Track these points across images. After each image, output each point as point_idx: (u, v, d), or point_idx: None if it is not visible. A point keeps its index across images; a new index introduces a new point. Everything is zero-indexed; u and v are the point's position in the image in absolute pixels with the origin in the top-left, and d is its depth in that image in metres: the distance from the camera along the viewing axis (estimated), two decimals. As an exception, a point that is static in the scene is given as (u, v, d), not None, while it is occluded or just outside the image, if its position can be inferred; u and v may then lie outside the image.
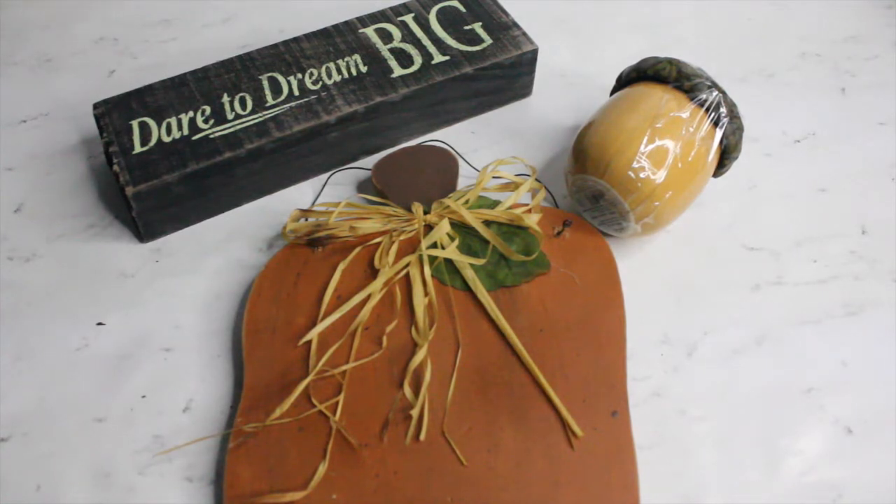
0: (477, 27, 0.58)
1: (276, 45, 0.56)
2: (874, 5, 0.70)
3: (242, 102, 0.53)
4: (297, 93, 0.53)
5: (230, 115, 0.52)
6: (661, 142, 0.48)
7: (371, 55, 0.56)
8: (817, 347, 0.49)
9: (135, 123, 0.51)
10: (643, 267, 0.52)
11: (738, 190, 0.56)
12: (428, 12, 0.59)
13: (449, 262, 0.49)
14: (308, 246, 0.50)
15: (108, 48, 0.66)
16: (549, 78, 0.63)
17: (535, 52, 0.57)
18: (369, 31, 0.57)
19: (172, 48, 0.66)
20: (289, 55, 0.56)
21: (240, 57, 0.56)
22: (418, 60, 0.56)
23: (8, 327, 0.49)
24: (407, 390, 0.45)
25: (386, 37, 0.57)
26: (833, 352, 0.49)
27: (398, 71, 0.55)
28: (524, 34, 0.58)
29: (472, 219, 0.50)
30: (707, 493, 0.43)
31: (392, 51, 0.56)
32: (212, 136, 0.51)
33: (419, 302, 0.47)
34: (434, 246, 0.50)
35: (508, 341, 0.47)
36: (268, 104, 0.53)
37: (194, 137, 0.51)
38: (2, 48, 0.65)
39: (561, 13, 0.69)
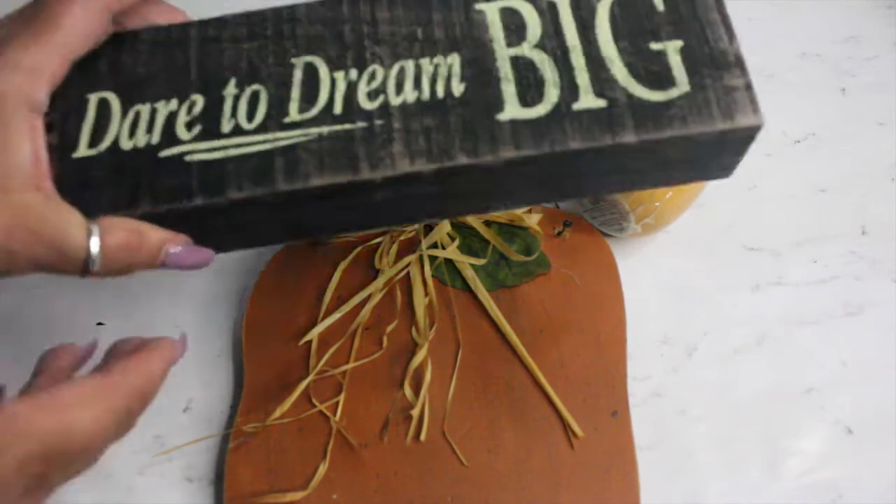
0: (672, 50, 0.32)
1: (337, 3, 0.33)
2: (874, 5, 0.70)
3: (252, 104, 0.32)
4: (338, 109, 0.32)
5: (226, 126, 0.31)
6: None
7: (478, 63, 0.32)
8: (817, 347, 0.49)
9: (93, 99, 0.32)
10: (643, 267, 0.52)
11: (738, 190, 0.56)
12: None
13: (449, 262, 0.49)
14: (308, 246, 0.51)
15: (108, 48, 0.65)
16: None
17: (755, 131, 0.32)
18: (491, 11, 0.33)
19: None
20: (351, 27, 0.33)
21: (277, 12, 0.33)
22: (552, 96, 0.31)
23: (8, 328, 0.49)
24: (407, 390, 0.45)
25: (514, 30, 0.33)
26: (833, 352, 0.49)
27: (512, 109, 0.31)
28: (748, 90, 0.31)
29: (473, 219, 0.50)
30: (707, 493, 0.43)
31: (516, 62, 0.32)
32: (188, 159, 0.31)
33: (419, 302, 0.47)
34: (434, 246, 0.50)
35: (508, 341, 0.47)
36: (288, 119, 0.31)
37: (163, 154, 0.31)
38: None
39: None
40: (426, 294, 0.48)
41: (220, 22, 0.33)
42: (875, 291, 0.51)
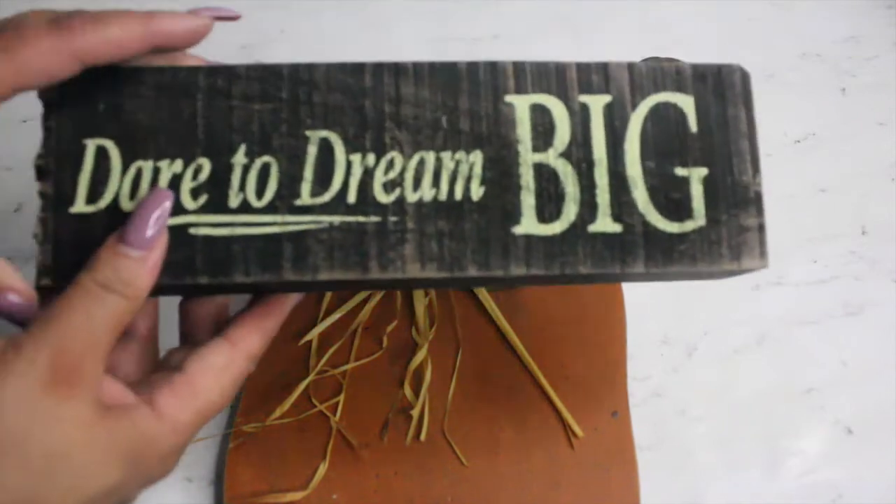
0: (696, 178, 0.31)
1: (360, 67, 0.31)
2: (874, 5, 0.70)
3: (262, 179, 0.30)
4: (352, 198, 0.30)
5: (234, 201, 0.30)
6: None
7: (501, 165, 0.31)
8: (817, 347, 0.49)
9: (91, 146, 0.30)
10: (643, 267, 0.52)
11: (738, 190, 0.56)
12: (634, 106, 0.32)
13: (449, 262, 0.49)
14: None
15: (108, 48, 0.66)
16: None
17: (755, 271, 0.32)
18: (521, 105, 0.31)
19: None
20: (373, 101, 0.31)
21: (295, 71, 0.31)
22: (570, 213, 0.31)
23: (8, 328, 0.49)
24: (407, 390, 0.45)
25: (542, 132, 0.31)
26: (833, 352, 0.49)
27: (528, 223, 0.30)
28: (761, 230, 0.31)
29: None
30: (707, 493, 0.43)
31: (538, 171, 0.31)
32: (192, 232, 0.29)
33: (419, 302, 0.47)
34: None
35: (508, 341, 0.47)
36: (299, 202, 0.30)
37: (168, 222, 0.29)
38: (2, 48, 0.65)
39: (561, 13, 0.69)
40: (426, 294, 0.48)
41: (232, 73, 0.31)
42: (875, 291, 0.51)
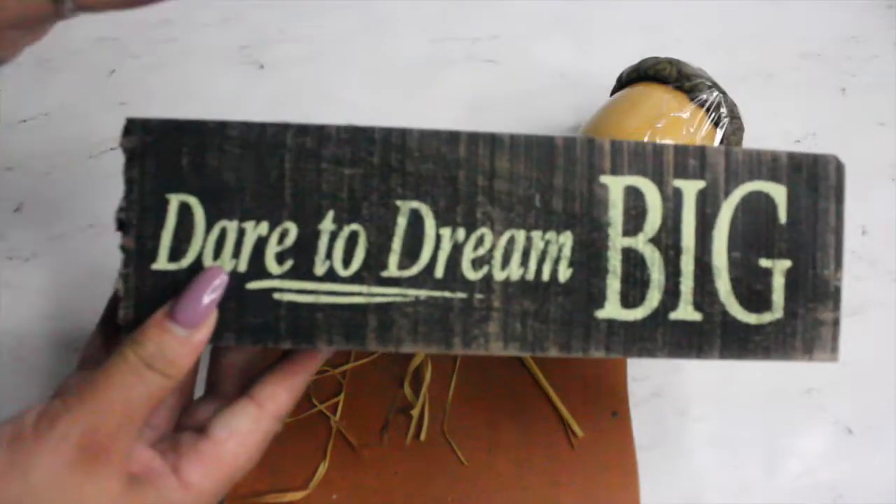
0: (779, 271, 0.31)
1: (455, 137, 0.30)
2: (874, 5, 0.70)
3: (350, 248, 0.30)
4: (440, 272, 0.30)
5: (320, 269, 0.29)
6: (662, 142, 0.48)
7: (590, 247, 0.31)
8: (817, 347, 0.49)
9: (174, 202, 0.29)
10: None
11: (738, 190, 0.56)
12: (727, 194, 0.32)
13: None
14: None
15: (108, 48, 0.66)
16: (548, 78, 0.63)
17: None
18: (615, 189, 0.31)
19: (174, 48, 0.66)
20: (465, 174, 0.30)
21: (387, 136, 0.30)
22: (653, 300, 0.31)
23: (8, 327, 0.49)
24: (407, 390, 0.45)
25: (634, 216, 0.31)
26: (833, 352, 0.49)
27: (612, 309, 0.31)
28: (835, 325, 0.32)
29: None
30: (707, 493, 0.43)
31: (626, 256, 0.31)
32: (277, 297, 0.29)
33: (419, 302, 0.47)
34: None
35: (508, 341, 0.47)
36: (386, 274, 0.30)
37: (251, 285, 0.29)
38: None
39: (561, 13, 0.69)
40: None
41: (322, 133, 0.30)
42: (875, 291, 0.51)
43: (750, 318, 0.31)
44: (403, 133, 0.30)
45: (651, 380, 0.47)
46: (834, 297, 0.32)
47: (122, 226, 0.29)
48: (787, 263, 0.32)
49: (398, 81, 0.61)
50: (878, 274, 0.52)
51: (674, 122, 0.48)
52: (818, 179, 0.32)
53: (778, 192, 0.32)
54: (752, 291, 0.31)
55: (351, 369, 0.46)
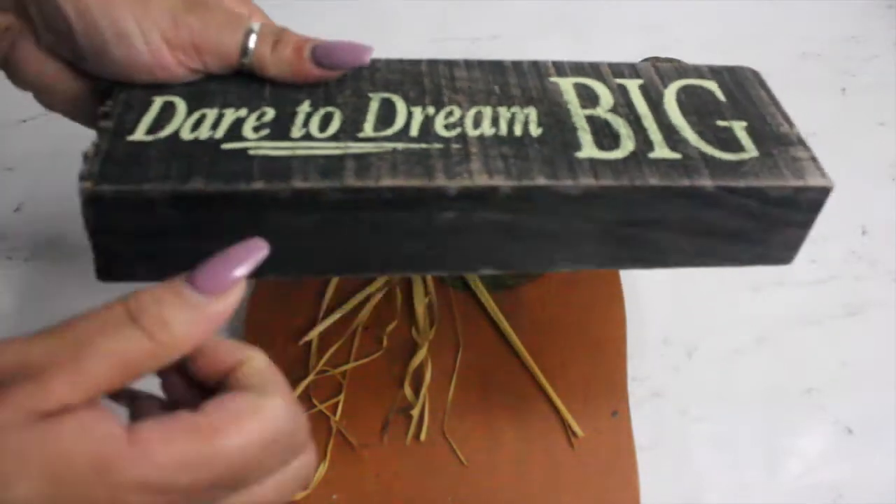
0: (738, 127, 0.34)
1: (416, 62, 0.34)
2: (874, 5, 0.70)
3: (325, 120, 0.31)
4: (414, 132, 0.31)
5: (297, 132, 0.30)
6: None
7: (554, 115, 0.33)
8: (817, 347, 0.49)
9: (157, 101, 0.30)
10: (643, 267, 0.52)
11: (738, 190, 0.56)
12: (664, 86, 0.35)
13: (449, 262, 0.49)
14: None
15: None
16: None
17: (825, 193, 0.33)
18: (564, 84, 0.34)
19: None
20: (429, 79, 0.34)
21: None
22: (628, 145, 0.32)
23: (8, 327, 0.49)
24: (407, 390, 0.45)
25: (588, 98, 0.34)
26: (833, 352, 0.49)
27: (590, 150, 0.31)
28: (814, 160, 0.33)
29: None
30: (707, 493, 0.43)
31: (590, 120, 0.33)
32: (252, 152, 0.29)
33: (419, 302, 0.47)
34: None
35: (508, 341, 0.47)
36: (361, 134, 0.30)
37: (226, 146, 0.29)
38: (2, 48, 0.65)
39: (561, 13, 0.69)
40: (426, 294, 0.48)
41: None
42: (875, 291, 0.51)
43: (729, 156, 0.32)
44: (373, 60, 0.33)
45: (651, 380, 0.47)
46: (801, 142, 0.34)
47: (105, 116, 0.30)
48: (742, 123, 0.34)
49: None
50: (878, 274, 0.52)
51: (674, 122, 0.48)
52: (742, 79, 0.37)
53: (710, 84, 0.36)
54: (720, 139, 0.33)
55: (351, 369, 0.46)
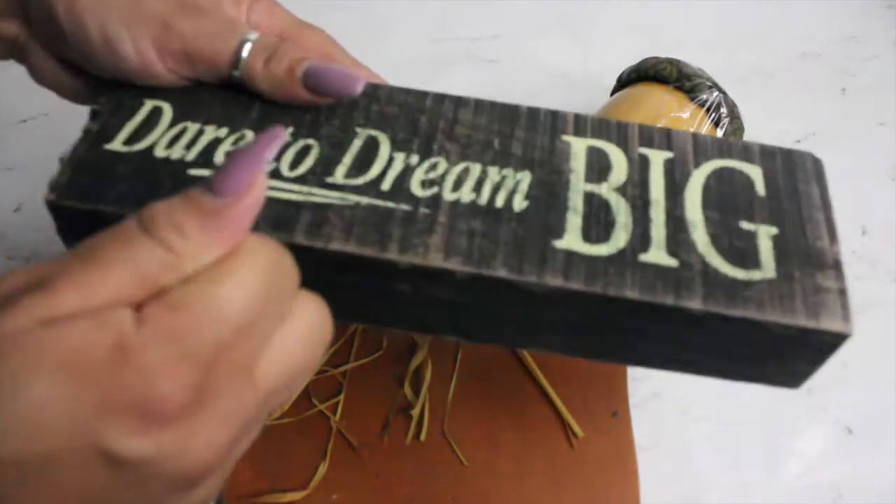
0: (764, 234, 0.28)
1: (423, 95, 0.31)
2: (874, 5, 0.70)
3: (300, 156, 0.29)
4: (387, 185, 0.29)
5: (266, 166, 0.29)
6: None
7: (548, 187, 0.29)
8: (817, 347, 0.49)
9: (147, 105, 0.30)
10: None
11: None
12: (696, 164, 0.30)
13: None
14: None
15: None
16: (549, 78, 0.63)
17: (840, 340, 0.27)
18: (577, 146, 0.30)
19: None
20: (428, 118, 0.30)
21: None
22: (620, 240, 0.27)
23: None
24: (407, 390, 0.45)
25: (597, 169, 0.29)
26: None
27: (571, 239, 0.27)
28: (842, 294, 0.27)
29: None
30: (707, 493, 0.43)
31: (588, 199, 0.28)
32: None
33: (419, 302, 0.47)
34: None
35: (508, 341, 0.47)
36: (330, 179, 0.29)
37: (192, 171, 0.29)
38: (2, 48, 0.65)
39: (561, 13, 0.69)
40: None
41: None
42: (875, 291, 0.51)
43: (737, 273, 0.27)
44: (375, 87, 0.31)
45: (651, 380, 0.47)
46: (835, 266, 0.27)
47: (94, 115, 0.30)
48: (772, 230, 0.28)
49: (398, 81, 0.60)
50: (878, 274, 0.52)
51: (674, 122, 0.48)
52: (795, 167, 0.30)
53: (753, 170, 0.30)
54: (735, 248, 0.27)
55: (351, 369, 0.46)
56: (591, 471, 0.43)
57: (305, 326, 0.23)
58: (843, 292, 0.27)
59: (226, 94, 0.31)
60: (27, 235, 0.53)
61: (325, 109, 0.30)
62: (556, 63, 0.64)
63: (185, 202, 0.21)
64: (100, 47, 0.29)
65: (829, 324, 0.26)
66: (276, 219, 0.28)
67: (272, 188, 0.28)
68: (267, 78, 0.30)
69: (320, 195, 0.28)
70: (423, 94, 0.31)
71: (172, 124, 0.30)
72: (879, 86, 0.64)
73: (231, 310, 0.20)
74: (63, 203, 0.28)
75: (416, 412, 0.44)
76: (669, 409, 0.46)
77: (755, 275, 0.27)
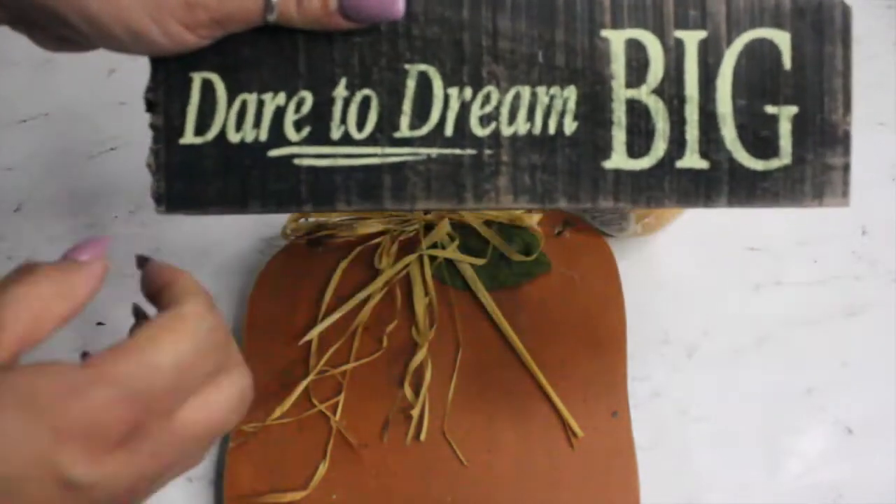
0: (785, 117, 0.31)
1: (458, 2, 0.31)
2: (874, 5, 0.70)
3: (363, 112, 0.31)
4: (449, 130, 0.31)
5: (336, 133, 0.31)
6: None
7: (593, 100, 0.31)
8: (817, 348, 0.49)
9: (197, 79, 0.31)
10: (643, 267, 0.52)
11: (738, 190, 0.56)
12: (729, 41, 0.32)
13: (449, 261, 0.49)
14: (308, 246, 0.51)
15: (108, 48, 0.65)
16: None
17: (840, 203, 0.32)
18: (616, 42, 0.31)
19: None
20: (470, 35, 0.31)
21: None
22: (659, 150, 0.31)
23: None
24: (407, 390, 0.45)
25: (637, 67, 0.31)
26: (833, 352, 0.49)
27: (618, 158, 0.31)
28: (845, 170, 0.31)
29: (473, 218, 0.50)
30: (707, 493, 0.43)
31: (631, 107, 0.31)
32: (297, 163, 0.31)
33: (419, 302, 0.47)
34: (434, 246, 0.50)
35: (508, 341, 0.47)
36: (398, 134, 0.31)
37: (273, 153, 0.31)
38: (1, 48, 0.65)
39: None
40: (426, 294, 0.48)
41: None
42: (875, 291, 0.51)
43: (757, 165, 0.31)
44: (413, 6, 0.31)
45: (651, 380, 0.47)
46: (843, 141, 0.31)
47: (150, 106, 0.31)
48: (793, 109, 0.32)
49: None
50: (878, 274, 0.52)
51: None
52: (823, 24, 0.32)
53: (781, 39, 0.32)
54: (759, 138, 0.31)
55: (351, 369, 0.46)
56: (591, 471, 0.43)
57: (229, 393, 0.26)
58: (846, 167, 0.31)
59: (266, 44, 0.31)
60: (27, 235, 0.53)
61: (369, 45, 0.31)
62: (556, 63, 0.64)
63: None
64: (128, 41, 0.29)
65: (831, 201, 0.31)
66: (362, 188, 0.31)
67: (350, 155, 0.31)
68: (303, 17, 0.29)
69: (394, 154, 0.31)
70: (458, 2, 0.31)
71: (230, 100, 0.31)
72: (879, 86, 0.64)
73: (164, 365, 0.24)
74: (174, 212, 0.31)
75: (416, 412, 0.44)
76: (669, 409, 0.46)
77: (773, 163, 0.31)
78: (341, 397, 0.45)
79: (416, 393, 0.45)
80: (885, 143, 0.60)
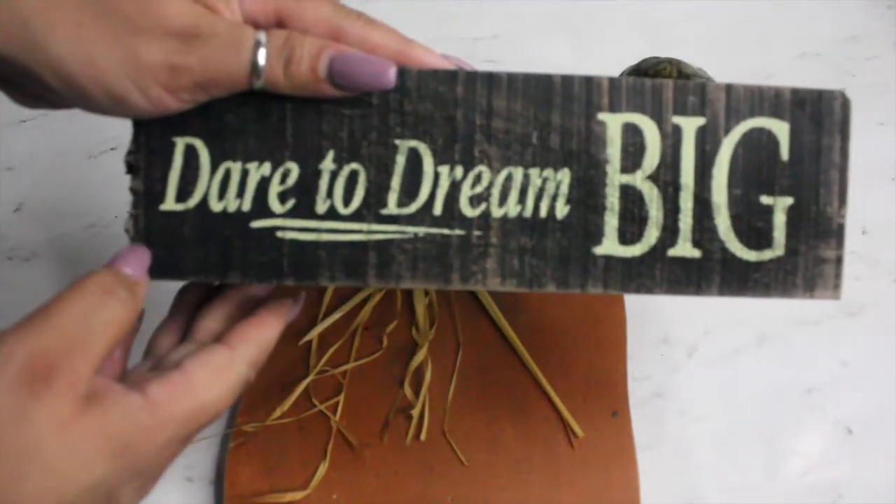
0: (780, 208, 0.31)
1: (453, 78, 0.30)
2: (874, 5, 0.70)
3: (350, 186, 0.30)
4: (438, 210, 0.30)
5: (321, 207, 0.30)
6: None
7: (587, 184, 0.31)
8: (817, 347, 0.49)
9: (180, 144, 0.30)
10: (643, 267, 0.52)
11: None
12: (727, 130, 0.31)
13: (449, 262, 0.49)
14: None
15: (108, 48, 0.65)
16: (549, 78, 0.63)
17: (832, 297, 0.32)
18: (612, 125, 0.31)
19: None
20: (464, 113, 0.30)
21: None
22: (651, 237, 0.31)
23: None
24: (407, 390, 0.45)
25: (633, 152, 0.31)
26: (833, 352, 0.49)
27: (609, 245, 0.31)
28: (838, 263, 0.31)
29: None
30: (707, 493, 0.43)
31: (624, 193, 0.31)
32: (279, 235, 0.30)
33: (419, 302, 0.47)
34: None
35: (509, 341, 0.47)
36: (385, 211, 0.30)
37: (255, 224, 0.30)
38: (2, 48, 0.65)
39: (561, 13, 0.69)
40: (426, 294, 0.48)
41: None
42: (875, 291, 0.51)
43: (750, 255, 0.31)
44: (402, 72, 0.30)
45: (651, 380, 0.47)
46: (837, 234, 0.31)
47: (130, 168, 0.30)
48: (788, 200, 0.31)
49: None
50: (878, 274, 0.52)
51: (674, 122, 0.48)
52: (822, 115, 0.31)
53: (780, 129, 0.31)
54: (753, 228, 0.31)
55: (351, 369, 0.46)
56: (591, 471, 0.43)
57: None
58: (839, 260, 0.31)
59: (252, 111, 0.30)
60: (27, 235, 0.53)
61: (359, 118, 0.30)
62: (556, 63, 0.64)
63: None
64: (106, 104, 0.27)
65: (822, 294, 0.31)
66: (347, 264, 0.30)
67: (335, 230, 0.30)
68: (291, 83, 0.28)
69: (380, 231, 0.30)
70: (452, 78, 0.30)
71: (214, 168, 0.30)
72: (879, 86, 0.64)
73: (211, 410, 0.28)
74: (151, 279, 0.30)
75: (416, 412, 0.44)
76: (669, 409, 0.46)
77: (766, 255, 0.31)
78: (341, 397, 0.45)
79: (416, 393, 0.45)
80: (885, 143, 0.60)
